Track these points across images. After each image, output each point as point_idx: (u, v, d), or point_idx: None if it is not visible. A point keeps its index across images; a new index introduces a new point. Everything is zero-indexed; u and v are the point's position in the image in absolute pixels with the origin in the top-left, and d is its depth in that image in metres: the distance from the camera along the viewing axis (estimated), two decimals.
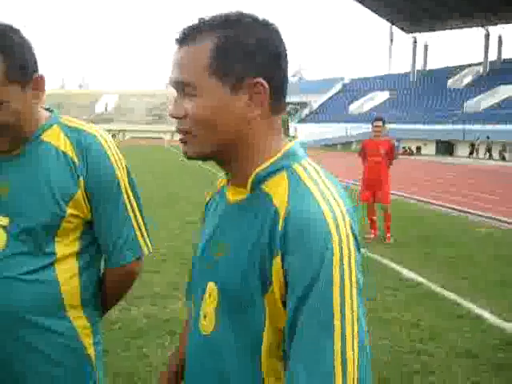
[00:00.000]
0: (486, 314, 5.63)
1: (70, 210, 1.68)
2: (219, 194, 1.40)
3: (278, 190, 1.19)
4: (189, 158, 1.27)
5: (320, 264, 1.08)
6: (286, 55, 1.25)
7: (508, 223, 11.58)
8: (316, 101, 75.64)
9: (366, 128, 60.20)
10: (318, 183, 1.18)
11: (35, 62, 1.65)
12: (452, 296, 6.24)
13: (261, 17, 1.23)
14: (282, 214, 1.14)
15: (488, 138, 47.77)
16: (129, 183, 1.78)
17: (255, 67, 1.19)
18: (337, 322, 1.07)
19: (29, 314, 1.66)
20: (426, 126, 56.78)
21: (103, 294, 1.84)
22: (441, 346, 4.81)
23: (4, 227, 1.67)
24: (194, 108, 1.20)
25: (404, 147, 49.16)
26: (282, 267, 1.13)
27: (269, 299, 1.17)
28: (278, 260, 1.13)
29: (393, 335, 5.02)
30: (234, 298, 1.22)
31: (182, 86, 1.22)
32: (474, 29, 76.47)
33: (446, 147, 54.93)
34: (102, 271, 1.85)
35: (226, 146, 1.23)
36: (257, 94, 1.19)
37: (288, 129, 70.15)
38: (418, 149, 54.37)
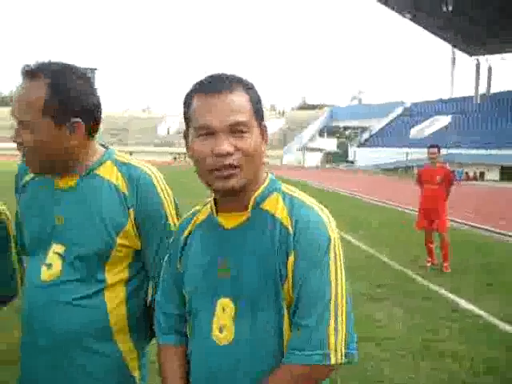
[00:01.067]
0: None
1: (120, 241, 1.79)
2: (203, 226, 1.64)
3: (277, 207, 1.54)
4: (231, 189, 1.49)
5: (323, 247, 1.47)
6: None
7: None
8: (375, 125, 74.91)
9: (426, 153, 58.89)
10: (306, 198, 1.57)
11: (84, 109, 1.76)
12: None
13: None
14: (288, 222, 1.50)
15: None
16: (176, 215, 1.88)
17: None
18: (333, 285, 1.47)
19: (79, 336, 1.78)
20: (490, 151, 55.32)
21: (151, 322, 1.89)
22: (499, 380, 4.68)
23: (60, 255, 1.79)
24: (246, 144, 1.47)
25: (466, 172, 48.04)
26: (294, 258, 1.47)
27: (285, 288, 1.48)
28: (291, 257, 1.47)
29: (447, 367, 4.92)
30: (253, 303, 1.49)
31: (236, 126, 1.46)
32: None
33: (510, 173, 53.30)
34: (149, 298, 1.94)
35: (253, 177, 1.54)
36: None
37: (347, 153, 70.32)
38: (482, 174, 52.98)
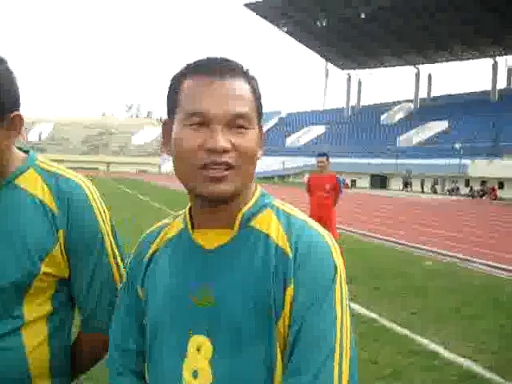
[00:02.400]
0: (442, 350, 5.64)
1: (44, 268, 1.45)
2: (173, 244, 1.33)
3: (270, 226, 1.25)
4: (221, 194, 1.20)
5: (328, 278, 1.19)
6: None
7: (449, 256, 11.84)
8: None
9: (301, 161, 61.69)
10: (305, 217, 1.28)
11: (16, 99, 1.44)
12: (405, 331, 6.24)
13: None
14: (286, 244, 1.21)
15: (406, 171, 49.80)
16: (113, 237, 1.57)
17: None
18: (338, 326, 1.18)
19: None
20: (361, 160, 58.27)
21: (75, 360, 1.60)
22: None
23: None
24: (246, 141, 1.20)
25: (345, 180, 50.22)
26: (294, 289, 1.18)
27: (279, 324, 1.19)
28: (290, 287, 1.18)
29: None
30: (236, 341, 1.19)
31: (236, 119, 1.19)
32: (406, 67, 79.53)
33: (379, 180, 56.43)
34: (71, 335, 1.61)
35: (247, 183, 1.26)
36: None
37: None
38: (353, 182, 55.62)
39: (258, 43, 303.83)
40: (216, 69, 1.20)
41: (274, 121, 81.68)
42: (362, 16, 59.61)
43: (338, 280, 1.20)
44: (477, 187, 44.81)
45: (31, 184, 1.49)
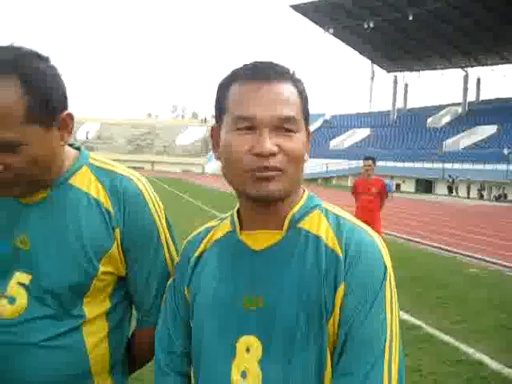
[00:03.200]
0: (486, 360, 5.52)
1: (102, 268, 1.46)
2: (221, 244, 1.35)
3: (320, 228, 1.27)
4: (271, 195, 1.22)
5: (379, 279, 1.21)
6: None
7: (496, 264, 11.58)
8: None
9: (345, 164, 61.23)
10: (354, 218, 1.31)
11: (64, 97, 1.41)
12: (448, 339, 6.13)
13: None
14: (336, 244, 1.23)
15: (450, 176, 48.84)
16: (169, 233, 1.57)
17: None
18: (389, 327, 1.20)
19: None
20: (406, 164, 57.39)
21: (133, 356, 1.63)
22: None
23: (25, 286, 1.43)
24: (293, 144, 1.21)
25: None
26: (344, 290, 1.20)
27: (330, 323, 1.20)
28: (341, 288, 1.20)
29: None
30: (288, 343, 1.20)
31: (283, 122, 1.21)
32: (454, 70, 78.02)
33: (424, 185, 55.49)
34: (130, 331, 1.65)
35: (296, 186, 1.28)
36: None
37: None
38: (398, 186, 54.85)
39: (304, 45, 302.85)
40: (263, 74, 1.22)
41: (319, 123, 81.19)
42: (410, 18, 58.76)
43: (388, 282, 1.22)
44: None
45: (86, 183, 1.48)
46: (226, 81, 1.28)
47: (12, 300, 1.43)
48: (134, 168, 1.68)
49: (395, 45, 71.68)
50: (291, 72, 1.27)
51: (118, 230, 1.46)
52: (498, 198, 45.80)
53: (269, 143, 1.18)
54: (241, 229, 1.32)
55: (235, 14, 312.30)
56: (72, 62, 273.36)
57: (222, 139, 1.26)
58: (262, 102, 1.20)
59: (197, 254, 1.37)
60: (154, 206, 1.52)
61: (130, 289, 1.56)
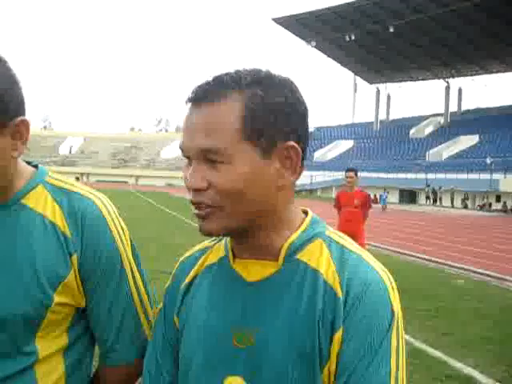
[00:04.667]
0: (478, 375, 5.42)
1: (57, 298, 1.29)
2: (213, 273, 1.22)
3: (320, 260, 1.11)
4: (208, 234, 1.12)
5: (384, 325, 1.06)
6: (308, 114, 1.15)
7: (482, 274, 11.54)
8: None
9: (329, 176, 61.47)
10: (362, 251, 1.14)
11: (20, 103, 1.26)
12: (437, 353, 6.03)
13: (280, 74, 1.13)
14: (337, 281, 1.08)
15: (428, 185, 49.46)
16: (134, 260, 1.41)
17: (287, 129, 1.08)
18: (393, 380, 1.05)
19: None
20: (389, 175, 57.75)
21: None
22: None
23: None
24: (221, 178, 1.06)
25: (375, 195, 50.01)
26: (343, 336, 1.06)
27: (325, 372, 1.07)
28: (339, 333, 1.05)
29: None
30: None
31: (206, 153, 1.06)
32: (435, 81, 78.93)
33: (408, 196, 55.81)
34: (92, 370, 1.47)
35: (253, 218, 1.10)
36: (288, 158, 1.09)
37: None
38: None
39: (286, 57, 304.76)
40: (196, 95, 1.09)
41: None
42: (391, 30, 59.37)
43: (395, 330, 1.06)
44: (510, 203, 43.94)
45: (40, 203, 1.33)
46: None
47: None
48: (118, 182, 1.49)
49: (377, 56, 72.34)
50: (244, 81, 1.07)
51: (75, 257, 1.31)
52: (482, 207, 46.11)
53: (195, 177, 1.07)
54: (234, 256, 1.19)
55: (218, 27, 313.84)
56: (53, 77, 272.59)
57: None
58: (187, 131, 1.10)
59: (188, 279, 1.25)
60: (116, 229, 1.37)
61: (90, 323, 1.40)
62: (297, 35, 69.96)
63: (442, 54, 67.05)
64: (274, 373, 1.08)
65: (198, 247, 1.31)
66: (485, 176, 47.79)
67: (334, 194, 45.73)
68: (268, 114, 1.06)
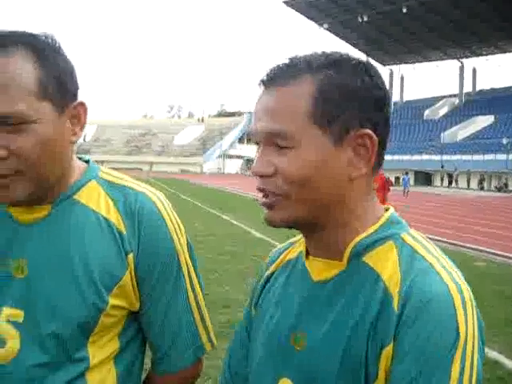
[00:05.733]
0: (503, 359, 5.36)
1: (112, 301, 1.21)
2: (289, 268, 1.16)
3: (385, 264, 1.00)
4: (275, 225, 1.04)
5: (445, 345, 0.90)
6: (390, 101, 1.06)
7: (503, 257, 11.42)
8: None
9: None
10: (438, 258, 0.99)
11: (76, 84, 1.22)
12: None
13: (360, 58, 1.06)
14: (396, 292, 0.95)
15: (442, 167, 48.83)
16: (191, 261, 1.33)
17: (362, 115, 1.00)
18: None
19: None
20: (404, 157, 57.33)
21: None
22: None
23: (17, 325, 1.18)
24: (289, 164, 0.99)
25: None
26: (392, 354, 0.94)
27: None
28: (388, 348, 0.94)
29: None
30: None
31: (273, 137, 1.00)
32: (449, 61, 78.06)
33: (423, 177, 55.44)
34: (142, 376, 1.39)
35: (321, 210, 1.02)
36: (363, 147, 1.00)
37: None
38: (397, 179, 54.76)
39: (299, 41, 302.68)
40: (267, 78, 1.03)
41: None
42: (404, 11, 58.64)
43: (460, 349, 0.90)
44: None
45: (94, 199, 1.26)
46: None
47: (1, 342, 1.18)
48: (132, 169, 1.43)
49: (390, 38, 71.57)
50: (317, 63, 1.01)
51: (131, 256, 1.23)
52: (499, 189, 45.68)
53: (260, 163, 1.02)
54: (307, 253, 1.11)
55: (229, 12, 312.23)
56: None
57: None
58: (256, 114, 1.04)
59: (269, 272, 1.21)
60: (174, 227, 1.29)
61: (144, 327, 1.32)
62: (308, 18, 69.32)
63: (456, 34, 66.13)
64: (320, 381, 1.00)
65: (289, 241, 1.25)
66: (501, 157, 47.31)
67: None
68: (341, 98, 0.98)
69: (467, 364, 0.90)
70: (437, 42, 70.38)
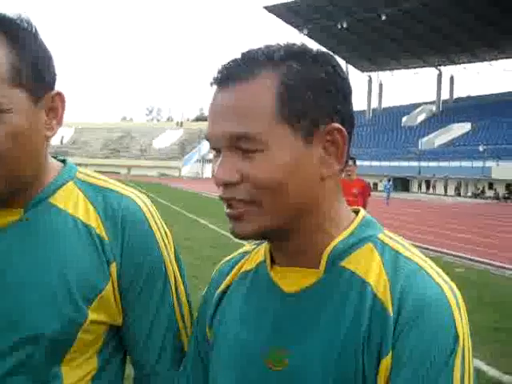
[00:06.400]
0: (484, 367, 5.32)
1: (92, 315, 1.09)
2: (248, 281, 1.05)
3: (368, 268, 0.93)
4: (243, 237, 0.95)
5: (444, 352, 0.86)
6: (351, 93, 0.98)
7: (483, 263, 11.45)
8: None
9: None
10: (422, 257, 0.94)
11: (53, 76, 1.10)
12: None
13: (318, 49, 0.99)
14: (388, 296, 0.89)
15: (419, 173, 49.58)
16: (178, 268, 1.21)
17: (329, 109, 0.92)
18: None
19: None
20: (382, 163, 57.74)
21: None
22: None
23: None
24: (257, 168, 0.90)
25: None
26: (391, 364, 0.87)
27: None
28: (386, 360, 0.87)
29: None
30: None
31: (236, 141, 0.90)
32: (427, 69, 78.97)
33: (401, 183, 55.88)
34: None
35: (294, 216, 0.94)
36: (332, 143, 0.93)
37: None
38: (375, 185, 55.14)
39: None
40: (222, 75, 0.93)
41: None
42: (383, 18, 59.12)
43: (459, 356, 0.86)
44: (501, 190, 44.08)
45: (72, 203, 1.13)
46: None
47: None
48: (110, 173, 1.30)
49: (369, 44, 72.11)
50: (277, 56, 0.92)
51: (113, 265, 1.12)
52: (476, 196, 46.18)
53: (223, 170, 0.91)
54: (272, 262, 1.01)
55: (209, 17, 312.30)
56: None
57: None
58: (213, 117, 0.93)
59: (222, 286, 1.09)
60: (160, 234, 1.18)
61: (127, 343, 1.20)
62: (289, 23, 69.55)
63: (435, 41, 66.87)
64: None
65: (238, 251, 1.13)
66: (477, 164, 47.86)
67: None
68: (307, 92, 0.90)
69: (466, 366, 0.87)
70: (415, 49, 71.08)
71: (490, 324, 6.80)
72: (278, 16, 68.04)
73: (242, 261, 1.09)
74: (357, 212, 1.02)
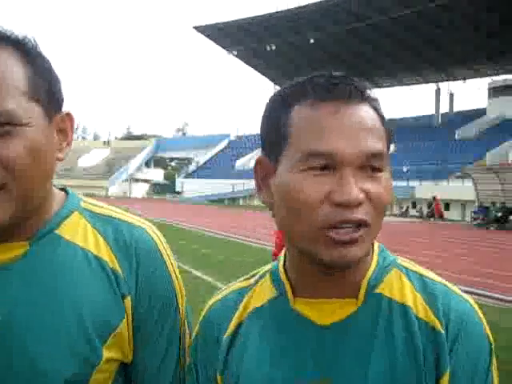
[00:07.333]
0: None
1: (107, 353, 1.03)
2: (266, 315, 1.01)
3: (402, 292, 0.97)
4: (354, 263, 0.92)
5: (484, 365, 0.95)
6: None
7: None
8: (201, 156, 76.08)
9: (252, 184, 61.48)
10: (440, 278, 1.01)
11: (63, 98, 1.07)
12: None
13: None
14: (431, 316, 0.94)
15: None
16: (185, 304, 1.19)
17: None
18: None
19: None
20: None
21: None
22: None
23: None
24: (381, 189, 0.91)
25: None
26: (450, 378, 0.92)
27: None
28: (447, 375, 0.91)
29: None
30: None
31: (370, 159, 0.90)
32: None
33: None
34: None
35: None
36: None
37: (175, 184, 70.93)
38: None
39: (207, 65, 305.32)
40: (340, 91, 0.91)
41: (224, 143, 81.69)
42: (311, 41, 60.59)
43: (494, 358, 0.96)
44: (424, 209, 45.78)
45: (80, 234, 1.08)
46: (284, 98, 0.96)
47: None
48: None
49: (296, 67, 73.63)
50: (368, 89, 0.95)
51: (128, 299, 1.07)
52: (401, 215, 47.64)
53: (355, 188, 0.87)
54: (294, 295, 1.00)
55: (137, 35, 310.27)
56: None
57: (278, 179, 0.94)
58: (345, 132, 0.89)
59: (231, 329, 1.03)
60: (172, 265, 1.14)
61: (135, 379, 1.14)
62: (218, 44, 70.05)
63: (351, 68, 69.06)
64: None
65: (231, 288, 1.08)
66: (401, 183, 49.47)
67: (256, 202, 46.13)
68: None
69: (496, 371, 0.97)
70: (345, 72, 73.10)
71: None
72: (207, 36, 68.40)
73: (247, 298, 1.05)
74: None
